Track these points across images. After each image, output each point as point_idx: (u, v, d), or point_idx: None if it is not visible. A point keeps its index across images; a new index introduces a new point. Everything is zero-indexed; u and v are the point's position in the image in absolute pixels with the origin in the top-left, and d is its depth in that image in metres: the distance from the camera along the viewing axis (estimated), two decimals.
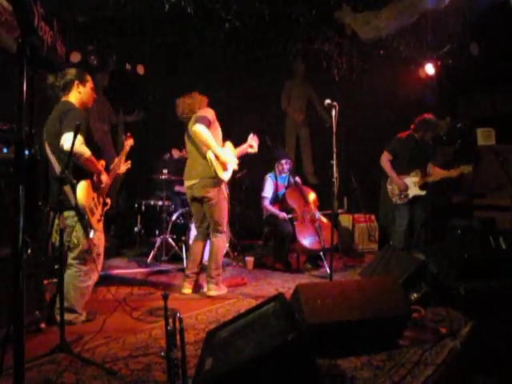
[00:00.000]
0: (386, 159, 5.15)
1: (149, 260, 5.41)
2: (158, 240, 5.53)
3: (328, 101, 3.85)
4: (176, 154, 6.39)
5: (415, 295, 3.58)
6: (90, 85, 3.36)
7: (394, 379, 2.43)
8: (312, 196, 5.66)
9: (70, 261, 3.22)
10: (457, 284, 3.65)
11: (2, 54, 3.98)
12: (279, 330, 2.15)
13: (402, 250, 4.93)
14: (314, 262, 5.49)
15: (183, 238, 5.49)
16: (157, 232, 5.78)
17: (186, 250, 5.30)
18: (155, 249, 5.49)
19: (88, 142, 3.11)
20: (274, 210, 5.51)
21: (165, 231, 5.50)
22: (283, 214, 5.38)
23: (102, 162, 3.39)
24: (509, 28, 5.22)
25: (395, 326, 2.93)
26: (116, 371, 2.47)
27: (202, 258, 4.23)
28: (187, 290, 4.17)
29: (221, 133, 4.13)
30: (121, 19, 5.65)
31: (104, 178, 3.33)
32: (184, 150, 5.51)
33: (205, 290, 4.18)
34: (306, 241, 5.16)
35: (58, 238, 2.86)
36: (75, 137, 2.67)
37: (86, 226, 3.16)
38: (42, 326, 3.07)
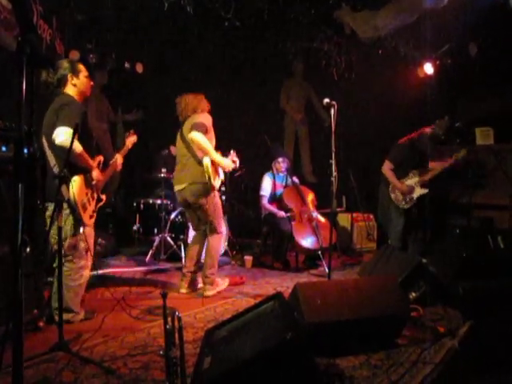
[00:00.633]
0: (388, 169, 5.09)
1: (147, 259, 5.41)
2: (157, 239, 5.53)
3: (327, 100, 3.85)
4: (174, 150, 6.37)
5: (414, 294, 3.58)
6: (83, 74, 3.31)
7: (392, 378, 2.44)
8: (310, 195, 5.66)
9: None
10: (455, 283, 3.65)
11: (1, 53, 3.97)
12: (278, 329, 2.15)
13: (399, 249, 4.94)
14: (312, 261, 5.50)
15: (182, 236, 5.49)
16: (155, 231, 5.77)
17: (185, 249, 5.30)
18: (154, 247, 5.49)
19: (84, 138, 3.08)
20: (273, 208, 5.51)
21: (163, 230, 5.50)
22: (282, 213, 5.39)
23: (100, 158, 3.38)
24: (507, 28, 5.23)
25: (394, 325, 2.94)
26: (114, 370, 2.47)
27: (199, 257, 4.21)
28: (184, 289, 4.17)
29: (214, 139, 4.08)
30: (120, 18, 5.65)
31: (95, 174, 3.31)
32: None
33: (201, 289, 4.16)
34: (304, 241, 5.17)
35: (56, 236, 2.86)
36: (74, 135, 2.66)
37: (77, 222, 3.14)
38: (41, 324, 3.06)
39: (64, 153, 2.82)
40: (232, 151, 4.43)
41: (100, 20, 5.68)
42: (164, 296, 2.08)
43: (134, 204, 6.01)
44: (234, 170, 4.58)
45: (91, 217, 3.27)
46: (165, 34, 6.20)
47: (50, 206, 3.16)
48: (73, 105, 3.10)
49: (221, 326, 2.55)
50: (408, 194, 5.01)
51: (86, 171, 3.20)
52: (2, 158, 3.17)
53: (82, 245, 3.22)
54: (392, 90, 6.50)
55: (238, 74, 7.29)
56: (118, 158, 3.70)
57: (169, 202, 5.80)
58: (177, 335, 2.06)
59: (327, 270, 3.96)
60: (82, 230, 3.17)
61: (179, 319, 2.08)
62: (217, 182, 4.01)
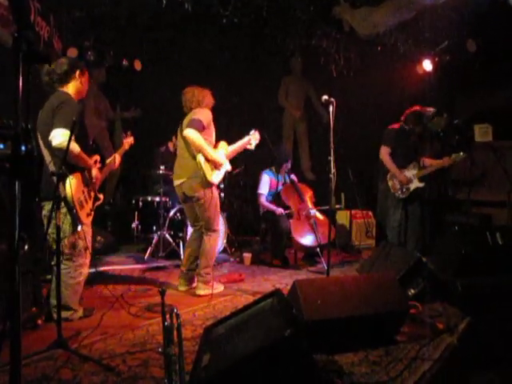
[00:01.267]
0: (385, 153, 5.10)
1: (146, 256, 5.41)
2: (156, 236, 5.53)
3: (325, 97, 3.84)
4: (172, 146, 6.37)
5: (412, 291, 3.58)
6: (87, 75, 3.34)
7: (391, 374, 2.44)
8: (308, 193, 5.66)
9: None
10: (454, 280, 3.66)
11: None
12: (276, 326, 2.15)
13: (398, 245, 4.96)
14: (311, 258, 5.50)
15: (181, 234, 5.49)
16: (154, 228, 5.77)
17: (184, 247, 5.30)
18: (152, 245, 5.49)
19: (80, 137, 3.08)
20: (271, 205, 5.51)
21: (162, 227, 5.50)
22: (280, 210, 5.39)
23: (96, 157, 3.37)
24: (506, 25, 5.22)
25: (393, 322, 2.94)
26: (113, 367, 2.47)
27: (197, 255, 4.18)
28: (183, 286, 4.16)
29: (214, 134, 4.06)
30: (118, 15, 5.63)
31: (94, 172, 3.31)
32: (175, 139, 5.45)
33: (194, 287, 4.15)
34: (302, 238, 5.17)
35: (54, 235, 2.85)
36: (71, 135, 2.66)
37: (74, 220, 3.13)
38: (39, 322, 3.06)
39: (61, 153, 2.81)
40: (254, 130, 4.37)
41: (98, 17, 5.66)
42: (162, 293, 2.08)
43: (133, 201, 6.01)
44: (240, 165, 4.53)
45: (88, 215, 3.25)
46: (163, 31, 6.19)
47: (47, 206, 3.15)
48: (70, 104, 3.07)
49: (219, 324, 2.55)
50: (407, 184, 5.02)
51: (82, 169, 3.19)
52: None
53: (81, 243, 3.21)
54: (391, 86, 6.51)
55: (237, 71, 7.28)
56: (117, 158, 3.68)
57: (167, 200, 5.79)
58: (176, 332, 2.06)
59: (326, 267, 3.97)
60: (79, 228, 3.16)
61: (178, 316, 2.08)
62: (215, 177, 3.96)
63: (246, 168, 6.18)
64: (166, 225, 5.53)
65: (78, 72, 3.23)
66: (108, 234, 5.82)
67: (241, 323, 2.43)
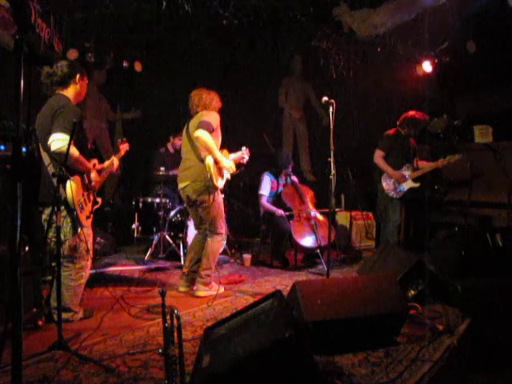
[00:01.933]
0: (379, 156, 5.22)
1: (146, 257, 5.41)
2: (156, 237, 5.53)
3: (325, 98, 3.85)
4: (171, 147, 6.38)
5: (412, 292, 3.59)
6: (86, 79, 3.35)
7: (391, 376, 2.44)
8: (308, 194, 5.66)
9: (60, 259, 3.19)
10: (454, 281, 3.66)
11: None
12: (276, 327, 2.15)
13: (398, 243, 5.00)
14: (311, 259, 5.51)
15: (181, 235, 5.49)
16: (154, 229, 5.77)
17: (184, 248, 5.31)
18: (153, 246, 5.49)
19: (79, 141, 3.08)
20: (272, 207, 5.52)
21: (162, 228, 5.50)
22: (280, 211, 5.39)
23: (95, 161, 3.37)
24: (506, 26, 5.23)
25: (392, 323, 2.94)
26: (114, 368, 2.48)
27: (199, 256, 4.18)
28: (183, 287, 4.16)
29: (220, 138, 4.06)
30: (118, 16, 5.63)
31: (93, 175, 3.31)
32: (179, 135, 5.45)
33: (194, 288, 4.15)
34: (302, 239, 5.17)
35: (55, 239, 2.85)
36: (71, 138, 2.66)
37: (74, 222, 3.14)
38: (40, 323, 3.07)
39: (60, 158, 2.81)
40: (244, 148, 4.44)
41: (98, 19, 5.67)
42: (163, 294, 2.09)
43: (133, 203, 6.01)
44: (239, 165, 4.56)
45: (88, 218, 3.25)
46: (163, 32, 6.19)
47: (46, 210, 3.15)
48: (69, 108, 3.06)
49: (220, 325, 2.56)
50: (402, 182, 5.10)
51: (81, 173, 3.19)
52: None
53: (82, 245, 3.21)
54: (390, 87, 6.51)
55: (237, 73, 7.29)
56: (115, 161, 3.68)
57: (168, 201, 5.79)
58: (176, 333, 2.06)
59: (326, 268, 3.97)
60: (79, 230, 3.17)
61: (178, 317, 2.08)
62: (220, 183, 3.97)
63: (245, 169, 6.18)
64: (166, 226, 5.54)
65: (78, 76, 3.22)
66: (108, 235, 5.82)
67: (241, 324, 2.43)
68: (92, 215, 3.32)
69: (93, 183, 3.32)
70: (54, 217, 2.75)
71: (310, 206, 5.52)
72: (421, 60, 6.46)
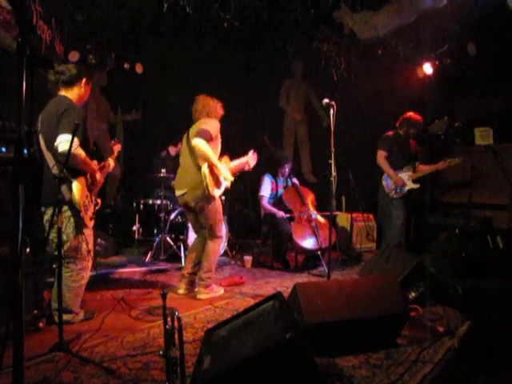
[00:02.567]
0: (382, 157, 5.26)
1: (147, 259, 5.42)
2: (157, 239, 5.54)
3: (326, 100, 3.86)
4: (173, 150, 6.39)
5: (413, 294, 3.58)
6: (90, 85, 3.39)
7: (391, 378, 2.44)
8: (309, 196, 5.67)
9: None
10: (454, 283, 3.66)
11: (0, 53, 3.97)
12: (277, 329, 2.15)
13: (399, 244, 5.00)
14: (312, 261, 5.50)
15: (181, 236, 5.50)
16: (155, 231, 5.78)
17: (185, 249, 5.31)
18: (153, 248, 5.50)
19: (84, 142, 3.10)
20: (272, 208, 5.52)
21: (163, 230, 5.51)
22: (281, 213, 5.39)
23: (94, 163, 3.38)
24: (506, 28, 5.23)
25: (393, 325, 2.94)
26: (114, 370, 2.48)
27: (199, 259, 4.18)
28: (183, 290, 4.16)
29: (219, 146, 4.06)
30: (119, 18, 5.65)
31: (98, 176, 3.34)
32: (180, 143, 5.47)
33: (196, 291, 4.14)
34: (303, 241, 5.17)
35: (56, 240, 2.86)
36: (73, 139, 2.67)
37: (79, 223, 3.15)
38: (41, 325, 3.06)
39: (68, 159, 2.82)
40: (252, 151, 4.43)
41: (99, 20, 5.68)
42: (164, 296, 2.09)
43: (134, 204, 6.02)
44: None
45: (91, 219, 3.27)
46: (164, 34, 6.21)
47: (48, 211, 3.15)
48: (75, 110, 3.08)
49: (220, 326, 2.56)
50: (401, 187, 5.14)
51: (85, 174, 3.20)
52: (1, 158, 3.16)
53: (84, 246, 3.22)
54: (391, 90, 6.51)
55: (238, 74, 7.30)
56: (110, 162, 3.69)
57: (168, 203, 5.80)
58: (177, 335, 2.06)
59: (327, 270, 3.97)
60: (84, 231, 3.18)
61: (179, 319, 2.08)
62: (216, 192, 3.95)
63: (246, 171, 6.18)
64: (167, 228, 5.55)
65: (84, 80, 3.27)
66: (109, 237, 5.82)
67: (242, 326, 2.43)
68: (94, 216, 3.33)
69: (98, 184, 3.34)
70: (56, 218, 2.76)
71: (311, 207, 5.52)
72: (422, 62, 6.46)
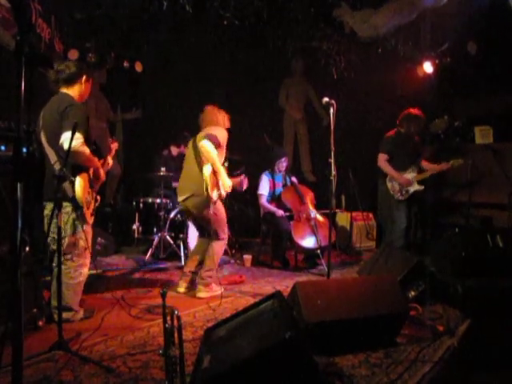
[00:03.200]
0: (383, 160, 5.15)
1: (147, 258, 5.41)
2: (156, 237, 5.53)
3: (326, 99, 3.85)
4: (174, 150, 6.39)
5: (413, 293, 3.58)
6: (91, 82, 3.41)
7: (391, 377, 2.44)
8: (309, 195, 5.65)
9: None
10: (454, 282, 3.66)
11: None
12: (277, 329, 2.15)
13: (403, 246, 4.96)
14: (311, 259, 5.50)
15: (181, 235, 5.49)
16: (155, 230, 5.78)
17: (184, 248, 5.31)
18: (153, 246, 5.49)
19: (87, 139, 3.12)
20: (272, 207, 5.51)
21: (163, 229, 5.50)
22: (281, 212, 5.39)
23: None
24: (506, 27, 5.23)
25: (393, 324, 2.94)
26: (114, 369, 2.48)
27: (201, 258, 4.18)
28: (183, 288, 4.16)
29: (224, 156, 4.10)
30: (119, 17, 5.64)
31: (102, 172, 3.36)
32: (182, 145, 5.49)
33: (197, 289, 4.13)
34: (303, 240, 5.16)
35: (55, 235, 2.86)
36: (72, 136, 2.67)
37: (79, 219, 3.15)
38: (40, 323, 3.06)
39: (72, 156, 2.84)
40: (243, 176, 4.52)
41: (99, 19, 5.67)
42: (163, 295, 2.09)
43: (134, 203, 6.01)
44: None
45: (92, 215, 3.29)
46: (164, 32, 6.20)
47: (48, 205, 3.17)
48: (77, 107, 3.11)
49: (220, 325, 2.56)
50: (407, 187, 5.05)
51: (88, 170, 3.21)
52: (0, 157, 3.16)
53: (82, 243, 3.22)
54: (391, 88, 6.51)
55: (237, 73, 7.29)
56: (109, 160, 3.70)
57: (168, 201, 5.80)
58: (176, 334, 2.06)
59: (326, 269, 3.97)
60: (84, 227, 3.18)
61: (179, 318, 2.08)
62: (214, 194, 3.94)
63: (245, 170, 6.18)
64: (167, 226, 5.54)
65: (84, 77, 3.29)
66: (109, 236, 5.82)
67: (241, 325, 2.43)
68: (94, 213, 3.34)
69: (101, 179, 3.36)
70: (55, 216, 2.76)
71: (310, 206, 5.51)
72: (422, 61, 6.45)
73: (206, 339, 2.49)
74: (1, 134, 3.33)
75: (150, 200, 5.92)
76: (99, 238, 5.39)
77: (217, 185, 3.97)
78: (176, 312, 2.09)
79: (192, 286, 4.18)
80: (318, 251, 5.21)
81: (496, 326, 3.22)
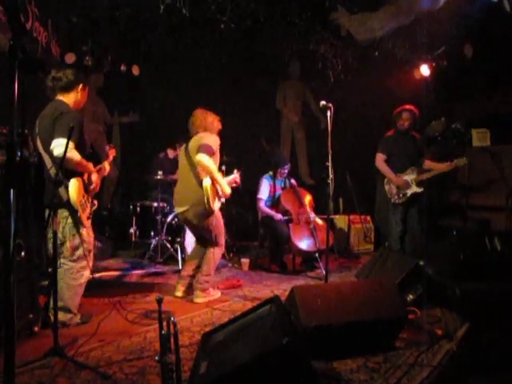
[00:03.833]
0: (381, 160, 5.09)
1: (144, 262, 5.39)
2: (153, 241, 5.51)
3: (323, 102, 3.84)
4: (171, 153, 6.38)
5: (411, 296, 3.57)
6: (87, 90, 3.42)
7: (389, 381, 2.43)
8: (307, 198, 5.64)
9: (60, 259, 3.18)
10: (452, 285, 3.65)
11: None
12: (274, 333, 2.13)
13: (399, 250, 4.93)
14: (309, 263, 5.49)
15: (178, 239, 5.47)
16: (152, 233, 5.76)
17: (182, 252, 5.29)
18: (150, 250, 5.47)
19: (80, 145, 3.11)
20: (270, 211, 5.50)
21: (160, 233, 5.48)
22: (279, 216, 5.37)
23: (91, 165, 3.38)
24: (503, 29, 5.24)
25: (391, 328, 2.93)
26: (110, 375, 2.45)
27: (199, 263, 4.15)
28: (180, 292, 4.13)
29: (218, 161, 4.06)
30: (116, 20, 5.63)
31: (94, 178, 3.35)
32: (178, 148, 5.46)
33: (194, 294, 4.11)
34: (301, 243, 5.15)
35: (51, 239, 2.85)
36: (68, 142, 2.66)
37: (77, 223, 3.15)
38: (36, 329, 3.04)
39: (63, 162, 2.82)
40: (236, 171, 4.46)
41: (96, 22, 5.67)
42: (159, 301, 2.06)
43: (131, 207, 6.00)
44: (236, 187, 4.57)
45: (88, 218, 3.28)
46: (161, 36, 6.19)
47: (47, 209, 3.16)
48: (70, 114, 3.11)
49: (217, 330, 2.54)
50: (403, 189, 4.95)
51: (82, 174, 3.21)
52: None
53: (84, 245, 3.22)
54: (388, 91, 6.51)
55: (234, 76, 7.28)
56: (106, 166, 3.69)
57: (165, 205, 5.78)
58: (172, 340, 2.04)
59: (324, 273, 3.95)
60: (82, 230, 3.18)
61: (175, 324, 2.06)
62: (216, 205, 3.93)
63: (243, 173, 6.17)
64: (164, 230, 5.52)
65: (81, 85, 3.30)
66: (106, 240, 5.80)
67: (239, 330, 2.41)
68: (91, 216, 3.33)
69: (93, 185, 3.33)
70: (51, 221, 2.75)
71: (309, 209, 5.50)
72: (418, 64, 6.46)
73: (204, 344, 2.47)
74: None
75: (147, 204, 5.90)
76: (96, 242, 5.35)
77: (217, 194, 3.95)
78: (172, 318, 2.07)
79: (189, 291, 4.15)
80: (316, 254, 5.20)
81: (494, 329, 3.21)
